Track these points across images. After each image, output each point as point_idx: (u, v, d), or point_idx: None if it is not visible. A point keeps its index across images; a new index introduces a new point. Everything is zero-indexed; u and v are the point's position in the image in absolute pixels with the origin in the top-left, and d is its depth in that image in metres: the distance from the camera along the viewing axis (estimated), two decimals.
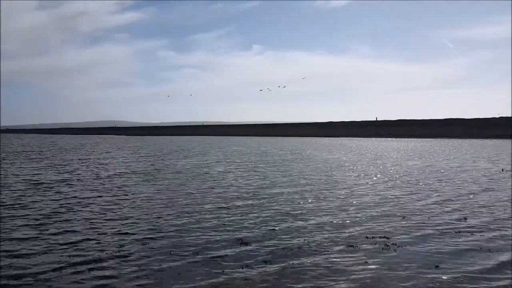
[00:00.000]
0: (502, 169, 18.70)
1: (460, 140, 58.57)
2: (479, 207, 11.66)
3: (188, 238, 8.52)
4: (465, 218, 10.25)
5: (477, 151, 36.33)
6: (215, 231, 9.10)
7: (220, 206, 11.71)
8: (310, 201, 12.56)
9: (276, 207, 11.57)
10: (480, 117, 70.01)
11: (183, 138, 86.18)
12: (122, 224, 9.67)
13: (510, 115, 67.18)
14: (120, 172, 20.55)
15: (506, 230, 9.10)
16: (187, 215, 10.63)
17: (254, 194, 13.80)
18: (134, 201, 12.51)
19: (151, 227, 9.43)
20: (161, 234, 8.80)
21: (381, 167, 22.88)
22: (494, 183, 16.27)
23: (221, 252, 7.63)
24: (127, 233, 8.88)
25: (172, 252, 7.63)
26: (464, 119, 71.44)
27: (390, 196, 13.34)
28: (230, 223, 9.74)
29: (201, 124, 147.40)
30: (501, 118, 66.90)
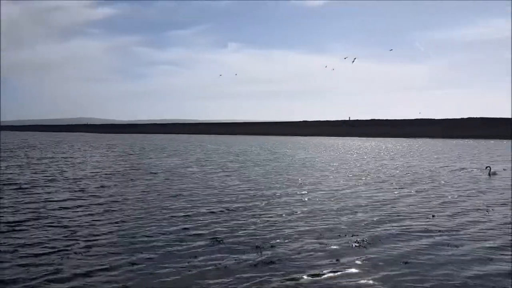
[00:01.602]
0: (486, 167, 19.37)
1: (431, 140, 60.19)
2: (448, 204, 12.05)
3: (161, 237, 8.47)
4: (433, 216, 10.59)
5: (450, 150, 37.44)
6: (189, 229, 9.08)
7: (194, 206, 11.67)
8: (284, 199, 12.68)
9: (252, 206, 11.63)
10: (452, 117, 72.22)
11: (160, 137, 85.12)
12: (93, 222, 9.51)
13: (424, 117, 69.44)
14: (93, 172, 20.14)
15: (474, 227, 9.45)
16: (160, 214, 10.54)
17: (229, 193, 13.81)
18: (105, 200, 12.29)
19: (122, 225, 9.31)
20: (133, 234, 8.70)
21: (354, 166, 23.29)
22: (464, 181, 16.84)
23: (194, 250, 7.63)
24: (97, 231, 8.73)
25: (143, 251, 7.57)
26: (434, 119, 73.50)
27: (362, 194, 13.61)
28: (205, 222, 9.73)
29: (177, 122, 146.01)
30: (470, 118, 69.08)
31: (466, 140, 58.63)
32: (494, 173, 18.72)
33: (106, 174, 19.28)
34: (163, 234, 8.75)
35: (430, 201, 12.49)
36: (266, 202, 12.25)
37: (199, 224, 9.57)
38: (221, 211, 11.02)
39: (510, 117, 66.15)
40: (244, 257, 7.30)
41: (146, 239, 8.38)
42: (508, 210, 11.23)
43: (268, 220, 9.94)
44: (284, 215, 10.53)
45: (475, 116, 69.40)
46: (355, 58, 49.09)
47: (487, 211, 11.02)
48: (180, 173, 19.77)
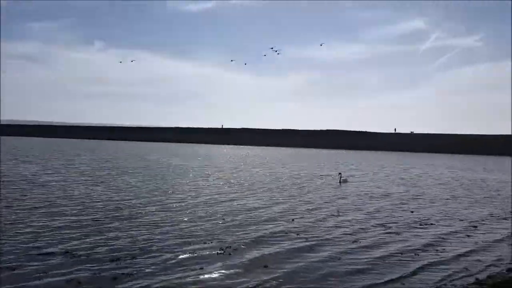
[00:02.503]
0: (339, 173, 21.63)
1: (296, 149, 65.22)
2: (305, 209, 13.23)
3: (8, 255, 7.53)
4: (293, 220, 11.53)
5: (312, 159, 40.99)
6: (41, 245, 8.26)
7: (50, 216, 10.67)
8: (150, 207, 12.41)
9: (115, 215, 11.14)
10: (314, 129, 79.57)
11: (9, 139, 74.99)
12: None
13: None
14: None
15: (328, 229, 10.55)
16: (9, 229, 9.36)
17: (93, 204, 12.94)
18: None
19: None
20: None
21: (228, 173, 23.90)
22: (322, 187, 18.65)
23: (44, 265, 7.02)
24: None
25: None
26: (299, 130, 80.00)
27: (233, 201, 14.09)
28: (61, 236, 8.95)
29: (31, 124, 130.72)
30: (329, 130, 76.90)
31: (329, 150, 64.98)
32: (345, 180, 21.16)
33: None
34: (12, 252, 7.78)
35: (293, 207, 13.56)
36: (132, 212, 11.82)
37: (54, 239, 8.76)
38: (81, 224, 10.26)
39: (364, 130, 75.46)
40: (102, 271, 6.94)
41: None
42: (359, 214, 12.88)
43: (133, 231, 9.60)
44: (150, 225, 10.29)
45: (334, 128, 77.75)
46: (277, 51, 49.66)
47: (339, 215, 12.47)
48: (37, 182, 17.78)
